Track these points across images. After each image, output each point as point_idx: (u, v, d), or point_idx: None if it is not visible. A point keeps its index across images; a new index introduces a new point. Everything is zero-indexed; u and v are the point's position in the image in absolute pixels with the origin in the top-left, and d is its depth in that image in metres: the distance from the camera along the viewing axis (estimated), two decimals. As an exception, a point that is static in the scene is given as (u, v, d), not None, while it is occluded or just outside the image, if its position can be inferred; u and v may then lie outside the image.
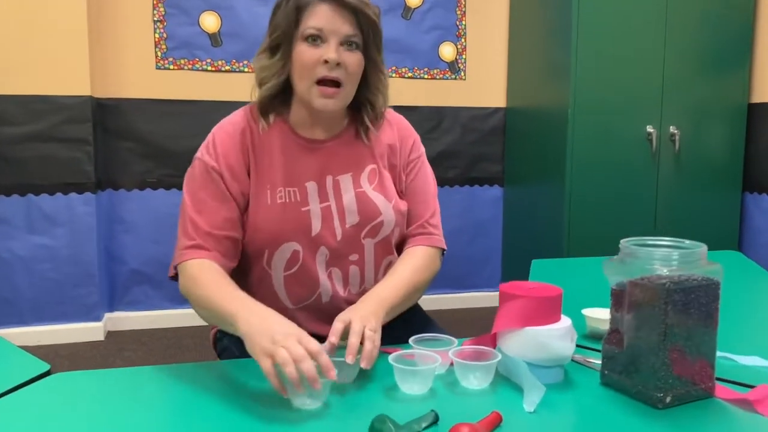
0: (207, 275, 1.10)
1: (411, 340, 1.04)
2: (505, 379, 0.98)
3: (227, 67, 3.17)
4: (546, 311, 0.98)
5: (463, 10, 3.42)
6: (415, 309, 1.36)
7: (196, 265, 1.12)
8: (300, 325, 1.22)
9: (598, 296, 1.21)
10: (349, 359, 0.92)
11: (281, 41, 1.14)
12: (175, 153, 3.15)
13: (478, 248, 3.66)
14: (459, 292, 3.65)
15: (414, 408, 0.88)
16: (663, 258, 0.90)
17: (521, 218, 3.41)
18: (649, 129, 2.93)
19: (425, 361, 0.97)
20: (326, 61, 1.11)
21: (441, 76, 3.46)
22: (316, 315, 1.23)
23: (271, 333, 0.90)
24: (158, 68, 3.11)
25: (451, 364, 0.99)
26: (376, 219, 1.22)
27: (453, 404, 0.90)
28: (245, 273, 1.23)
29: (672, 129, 2.95)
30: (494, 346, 1.02)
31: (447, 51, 3.45)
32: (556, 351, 0.96)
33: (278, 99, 1.20)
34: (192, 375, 1.02)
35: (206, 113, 3.15)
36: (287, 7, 1.14)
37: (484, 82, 3.51)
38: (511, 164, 3.50)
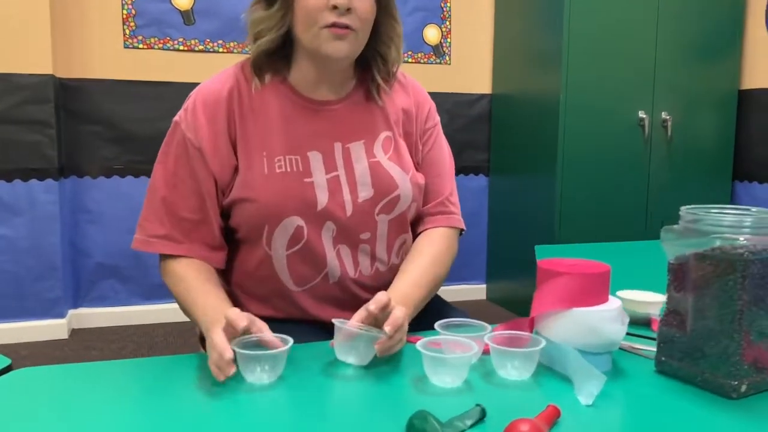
0: (191, 275, 1.02)
1: (437, 325, 0.91)
2: (546, 369, 0.86)
3: (200, 47, 2.98)
4: (594, 290, 0.86)
5: (449, -8, 3.31)
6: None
7: (182, 264, 1.03)
8: (304, 310, 1.08)
9: (624, 280, 1.11)
10: (389, 329, 0.84)
11: None
12: (145, 138, 2.95)
13: (463, 240, 3.54)
14: (442, 286, 3.53)
15: (449, 402, 0.74)
16: (734, 224, 0.78)
17: (508, 208, 3.30)
18: (642, 114, 2.86)
19: (457, 349, 0.84)
20: (335, 6, 0.97)
21: (425, 60, 3.33)
22: (322, 298, 1.09)
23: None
24: (126, 47, 2.91)
25: (485, 351, 0.86)
26: (392, 193, 1.08)
27: (492, 397, 0.77)
28: (242, 255, 1.08)
29: (664, 115, 2.89)
30: (531, 331, 0.89)
31: (431, 34, 3.32)
32: (607, 335, 0.84)
33: (276, 56, 1.05)
34: (177, 367, 0.86)
35: (178, 96, 2.94)
36: None
37: (469, 67, 3.39)
38: (498, 153, 3.39)
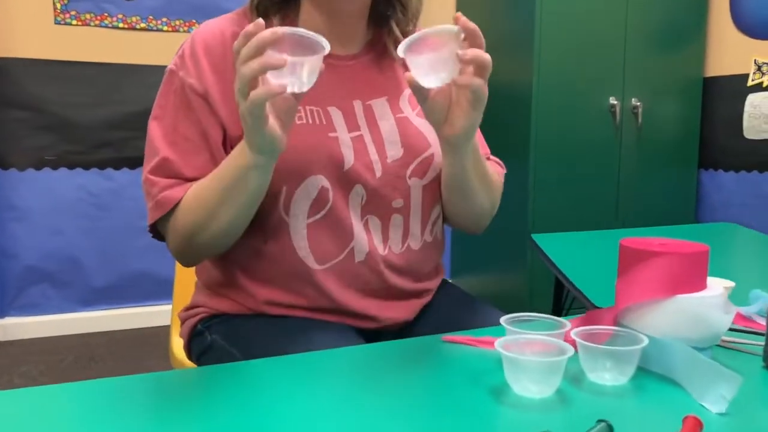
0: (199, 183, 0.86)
1: (504, 321, 0.74)
2: (642, 370, 0.70)
3: (142, 25, 2.70)
4: (695, 273, 0.71)
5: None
6: (459, 289, 1.07)
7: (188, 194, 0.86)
8: (327, 294, 0.88)
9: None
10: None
11: None
12: (80, 125, 2.64)
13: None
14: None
15: (541, 417, 0.58)
16: None
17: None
18: (613, 101, 2.79)
19: (541, 350, 0.67)
20: None
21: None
22: (347, 280, 0.90)
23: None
24: (58, 23, 2.59)
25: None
26: (425, 152, 0.93)
27: (594, 408, 0.61)
28: (250, 226, 0.88)
29: (634, 101, 2.83)
30: (614, 324, 0.73)
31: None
32: (714, 326, 0.69)
33: (282, 3, 0.90)
34: (160, 388, 0.65)
35: (117, 78, 2.67)
36: None
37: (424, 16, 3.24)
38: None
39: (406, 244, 0.94)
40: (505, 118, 2.87)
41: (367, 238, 0.90)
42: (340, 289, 0.89)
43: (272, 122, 0.72)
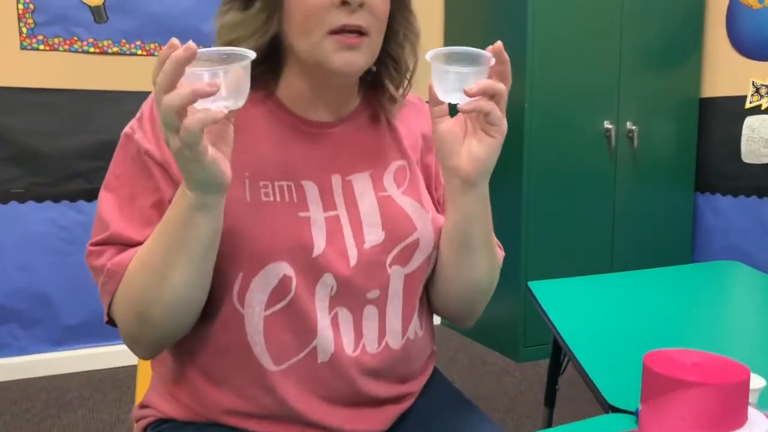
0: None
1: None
2: None
3: (115, 49, 2.56)
4: (735, 406, 0.60)
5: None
6: (449, 387, 0.95)
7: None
8: (282, 401, 0.76)
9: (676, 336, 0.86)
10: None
11: None
12: (48, 156, 2.50)
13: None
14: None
15: None
16: None
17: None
18: (607, 125, 2.70)
19: None
20: (344, 2, 0.71)
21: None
22: (308, 384, 0.78)
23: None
24: (24, 48, 2.45)
25: None
26: (409, 236, 0.81)
27: None
28: (205, 312, 0.77)
29: (629, 125, 2.74)
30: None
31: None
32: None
33: (260, 67, 0.77)
34: None
35: (88, 105, 2.53)
36: None
37: (420, 75, 3.13)
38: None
39: (383, 343, 0.81)
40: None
41: (333, 335, 0.78)
42: (299, 394, 0.77)
43: (212, 152, 0.63)
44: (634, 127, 2.74)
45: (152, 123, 0.77)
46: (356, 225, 0.80)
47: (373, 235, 0.80)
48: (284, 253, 0.75)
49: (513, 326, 2.68)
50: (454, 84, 0.70)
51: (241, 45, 0.73)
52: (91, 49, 2.53)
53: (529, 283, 1.60)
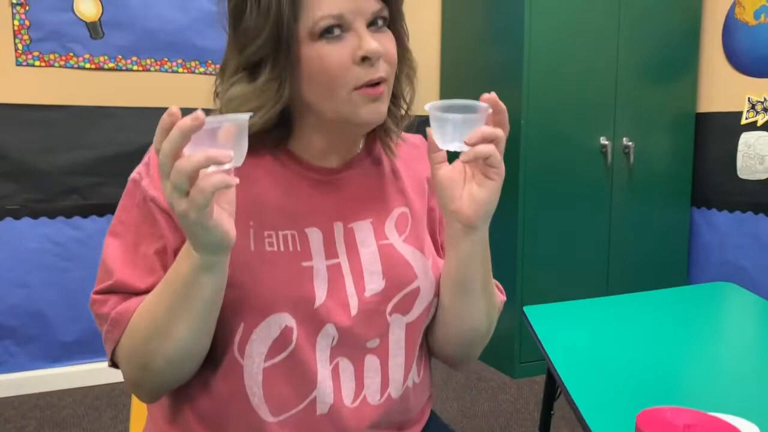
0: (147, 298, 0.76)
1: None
2: None
3: (111, 65, 2.56)
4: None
5: (392, 5, 3.03)
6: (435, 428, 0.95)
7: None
8: None
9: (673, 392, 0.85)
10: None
11: (268, 53, 0.72)
12: (44, 172, 2.49)
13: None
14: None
15: None
16: None
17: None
18: (604, 141, 2.70)
19: None
20: (364, 58, 0.71)
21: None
22: None
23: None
24: (19, 65, 2.44)
25: None
26: (410, 284, 0.82)
27: None
28: (205, 359, 0.77)
29: (626, 141, 2.74)
30: None
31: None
32: None
33: (271, 133, 0.78)
34: None
35: (84, 122, 2.52)
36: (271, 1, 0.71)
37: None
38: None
39: (386, 394, 0.81)
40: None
41: (333, 386, 0.78)
42: None
43: (216, 213, 0.63)
44: (630, 143, 2.74)
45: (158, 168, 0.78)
46: (357, 273, 0.80)
47: (374, 284, 0.80)
48: (286, 304, 0.75)
49: (509, 342, 2.67)
50: (453, 132, 0.72)
51: (254, 116, 0.73)
52: (87, 65, 2.52)
53: (525, 308, 1.60)
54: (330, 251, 0.79)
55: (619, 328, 1.47)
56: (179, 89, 2.62)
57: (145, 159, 0.80)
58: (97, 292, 0.77)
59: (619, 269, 2.83)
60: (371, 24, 0.74)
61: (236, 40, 0.74)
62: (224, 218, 0.65)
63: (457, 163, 0.75)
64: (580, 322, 1.53)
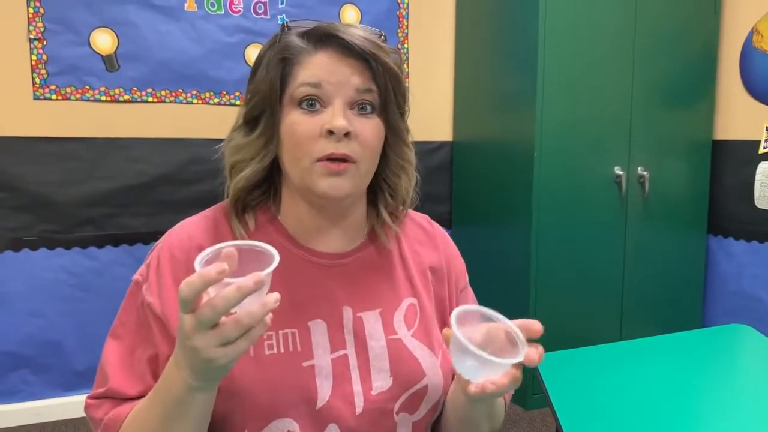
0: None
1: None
2: None
3: (126, 97, 2.59)
4: None
5: (405, 32, 3.03)
6: None
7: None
8: None
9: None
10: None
11: (262, 110, 0.77)
12: (60, 204, 2.52)
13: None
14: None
15: None
16: None
17: (473, 265, 3.06)
18: (618, 171, 2.67)
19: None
20: (330, 132, 0.73)
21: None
22: None
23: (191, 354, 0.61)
24: (37, 98, 2.48)
25: None
26: (418, 383, 0.81)
27: None
28: None
29: (640, 170, 2.71)
30: None
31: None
32: None
33: (261, 191, 0.82)
34: None
35: (99, 153, 2.55)
36: (268, 61, 0.76)
37: (428, 114, 3.13)
38: (461, 204, 3.14)
39: None
40: (502, 181, 2.76)
41: None
42: None
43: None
44: (645, 173, 2.71)
45: (158, 276, 0.78)
46: (364, 369, 0.79)
47: (381, 381, 0.79)
48: (288, 408, 0.75)
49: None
50: (471, 366, 0.64)
51: (243, 166, 0.78)
52: (103, 98, 2.56)
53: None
54: (336, 341, 0.79)
55: (630, 380, 1.45)
56: (194, 120, 2.64)
57: (147, 260, 0.80)
58: (92, 397, 0.79)
59: (633, 298, 2.80)
60: (356, 105, 0.76)
61: (246, 94, 0.80)
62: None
63: None
64: (590, 374, 1.51)
